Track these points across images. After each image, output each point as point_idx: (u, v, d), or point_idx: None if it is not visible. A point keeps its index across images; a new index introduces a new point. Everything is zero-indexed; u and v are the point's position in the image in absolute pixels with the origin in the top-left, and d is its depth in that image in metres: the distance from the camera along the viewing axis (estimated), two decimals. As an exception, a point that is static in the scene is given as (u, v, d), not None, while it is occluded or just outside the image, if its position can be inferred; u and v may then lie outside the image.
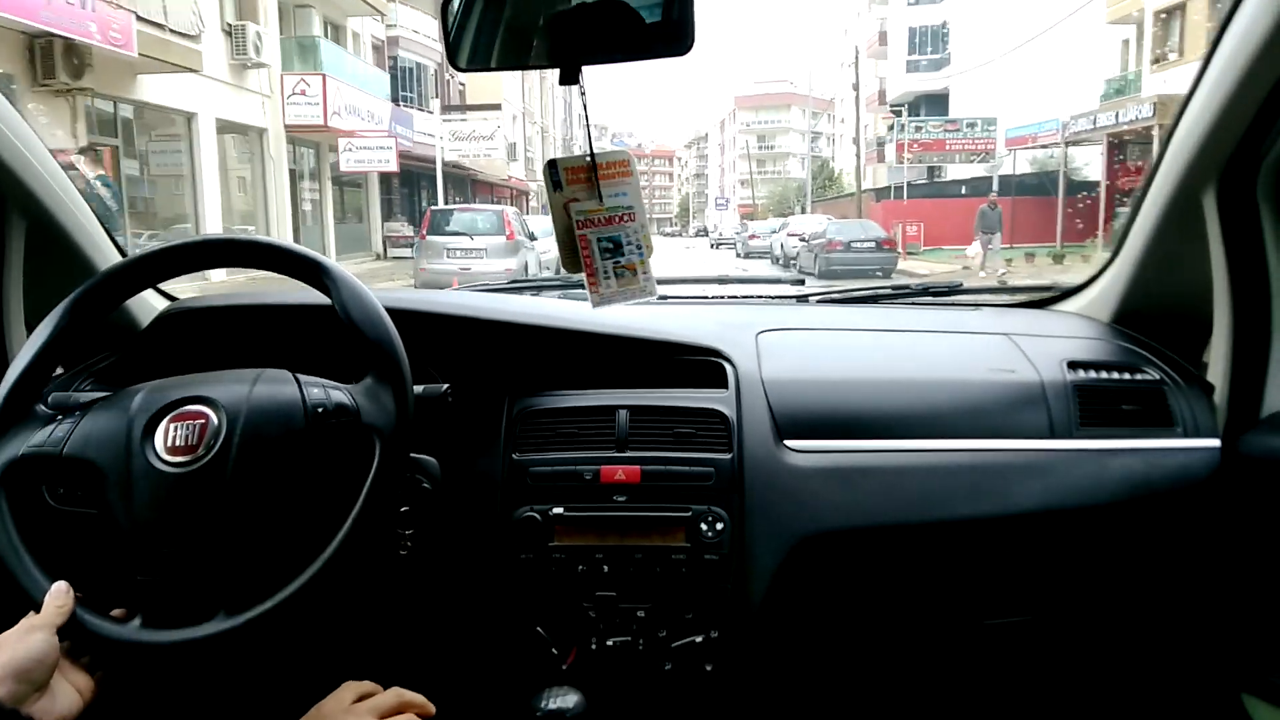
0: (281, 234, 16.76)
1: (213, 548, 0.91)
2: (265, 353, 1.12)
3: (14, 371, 0.98)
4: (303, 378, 0.98)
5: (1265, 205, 1.19)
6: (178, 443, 0.93)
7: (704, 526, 1.19)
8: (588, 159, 1.13)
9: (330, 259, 1.05)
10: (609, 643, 1.19)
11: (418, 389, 1.05)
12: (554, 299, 1.66)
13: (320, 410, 0.95)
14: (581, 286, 1.18)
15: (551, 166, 1.14)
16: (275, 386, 0.97)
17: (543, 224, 13.20)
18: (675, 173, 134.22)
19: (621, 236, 1.15)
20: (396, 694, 0.94)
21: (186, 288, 1.44)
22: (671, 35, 1.07)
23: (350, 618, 1.12)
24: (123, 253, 1.36)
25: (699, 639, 1.19)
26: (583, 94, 1.12)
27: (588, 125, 1.15)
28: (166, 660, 0.90)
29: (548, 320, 1.36)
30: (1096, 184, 21.65)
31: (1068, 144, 23.37)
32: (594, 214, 1.14)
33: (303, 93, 17.27)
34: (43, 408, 0.98)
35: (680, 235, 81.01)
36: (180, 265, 1.06)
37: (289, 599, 0.90)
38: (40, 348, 0.99)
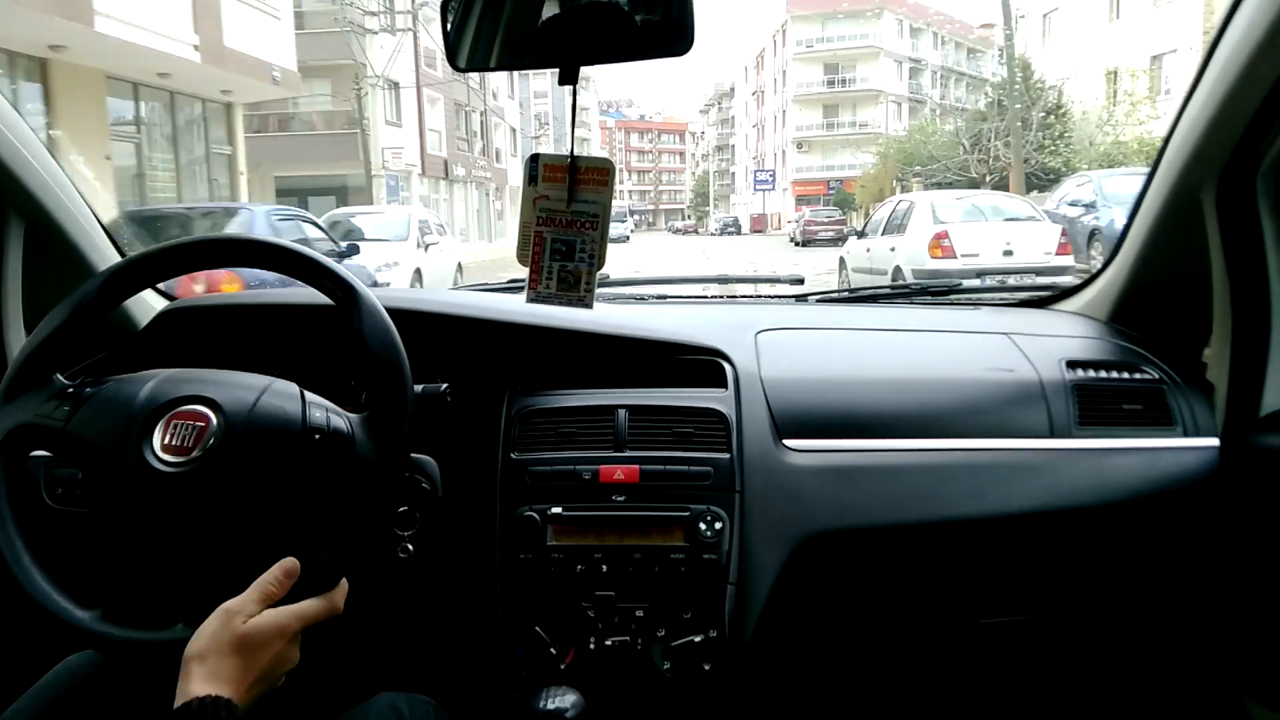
0: None
1: (189, 554, 0.96)
2: (263, 353, 1.17)
3: (37, 337, 1.03)
4: (309, 396, 1.02)
5: (1265, 205, 1.25)
6: (174, 442, 0.97)
7: (703, 526, 1.23)
8: (569, 159, 1.18)
9: (341, 266, 1.07)
10: (608, 642, 1.23)
11: (417, 388, 1.09)
12: None
13: (317, 434, 0.98)
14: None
15: (534, 160, 1.20)
16: (279, 400, 1.00)
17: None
18: (688, 150, 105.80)
19: (577, 242, 1.20)
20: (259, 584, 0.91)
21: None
22: (671, 35, 1.11)
23: (349, 618, 1.13)
24: (122, 254, 1.42)
25: (698, 639, 1.22)
26: (574, 95, 1.17)
27: (573, 124, 1.24)
28: (121, 656, 0.96)
29: (547, 320, 1.39)
30: None
31: None
32: (558, 214, 1.19)
33: None
34: (59, 377, 1.03)
35: (696, 233, 58.91)
36: (186, 264, 1.10)
37: None
38: (64, 318, 1.03)
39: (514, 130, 41.22)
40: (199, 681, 0.82)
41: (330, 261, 1.07)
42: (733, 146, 78.80)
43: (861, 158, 47.25)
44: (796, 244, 29.64)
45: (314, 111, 24.76)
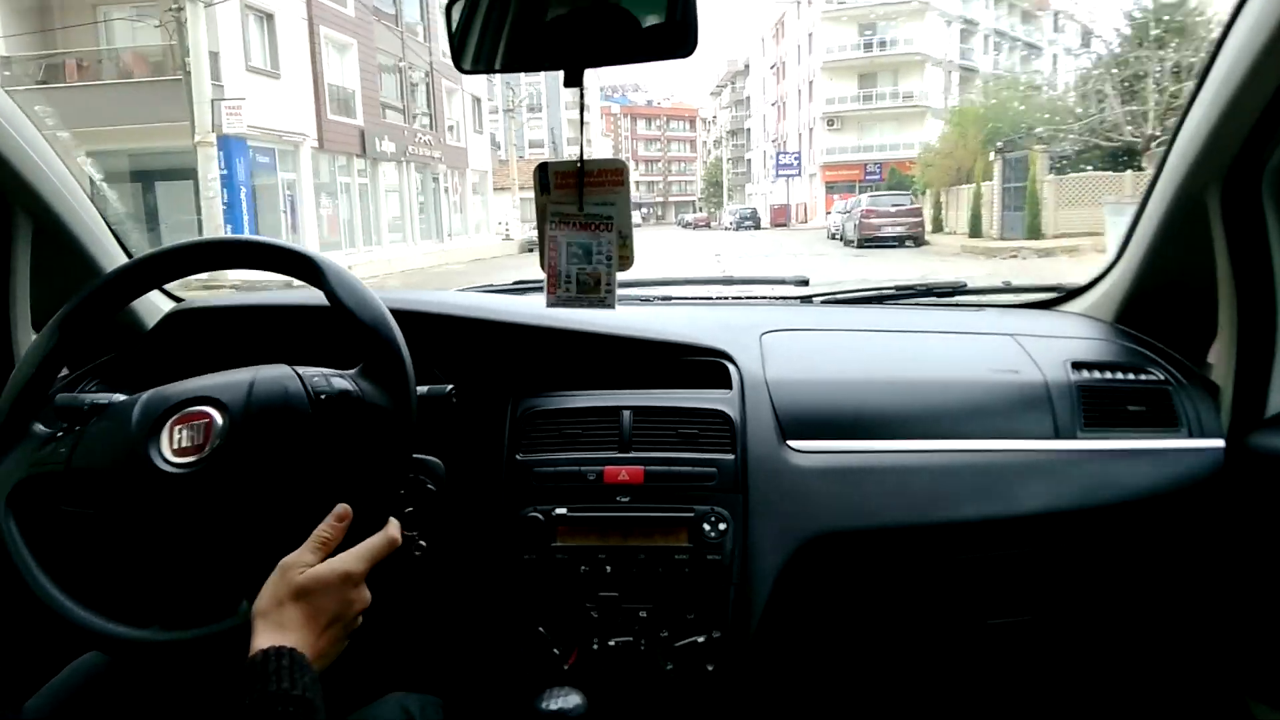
0: None
1: (227, 542, 0.98)
2: (272, 353, 1.17)
3: (9, 393, 1.04)
4: (301, 369, 1.04)
5: (1270, 206, 1.25)
6: (184, 443, 0.99)
7: (707, 527, 1.24)
8: (578, 164, 1.19)
9: (321, 253, 1.10)
10: (611, 643, 1.24)
11: (422, 389, 1.11)
12: None
13: (324, 397, 1.01)
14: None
15: (542, 170, 1.21)
16: (275, 380, 1.02)
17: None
18: (699, 138, 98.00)
19: (593, 245, 1.20)
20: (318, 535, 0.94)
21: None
22: (675, 37, 1.12)
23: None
24: (128, 253, 1.44)
25: (701, 639, 1.24)
26: (582, 98, 1.18)
27: (582, 129, 1.22)
28: (193, 657, 0.96)
29: (552, 321, 1.41)
30: None
31: None
32: (571, 217, 1.20)
33: None
34: (40, 427, 1.05)
35: (708, 227, 52.38)
36: (181, 268, 1.12)
37: None
38: (36, 364, 1.05)
39: (476, 100, 31.70)
40: (264, 635, 0.85)
41: (287, 242, 1.10)
42: (748, 130, 70.57)
43: (905, 135, 39.06)
44: (845, 243, 21.58)
45: (132, 49, 16.73)
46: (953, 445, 1.30)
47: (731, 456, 1.27)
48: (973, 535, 1.28)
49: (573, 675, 1.22)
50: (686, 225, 58.83)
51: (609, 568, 1.24)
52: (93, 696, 1.06)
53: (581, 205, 1.18)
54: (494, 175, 34.06)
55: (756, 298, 1.82)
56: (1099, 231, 12.32)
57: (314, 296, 1.10)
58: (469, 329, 1.38)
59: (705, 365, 1.39)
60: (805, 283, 1.82)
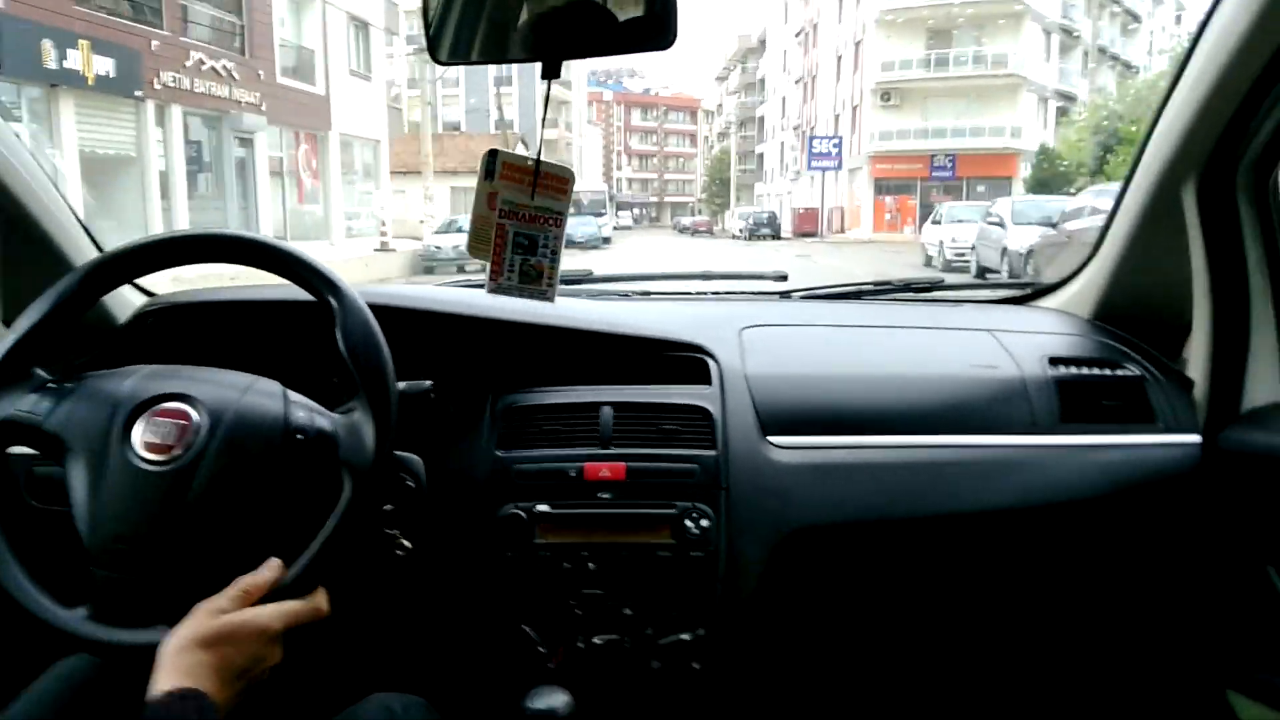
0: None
1: (171, 554, 0.97)
2: (245, 350, 1.18)
3: (16, 331, 1.03)
4: (292, 396, 1.04)
5: (1244, 202, 1.27)
6: (155, 440, 0.98)
7: (689, 523, 1.25)
8: (531, 162, 1.20)
9: (335, 270, 1.09)
10: (596, 641, 1.26)
11: (401, 386, 1.11)
12: None
13: (299, 435, 0.99)
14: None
15: (492, 156, 1.21)
16: (262, 400, 1.01)
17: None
18: (700, 132, 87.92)
19: (540, 237, 1.21)
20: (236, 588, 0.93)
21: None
22: (653, 29, 1.12)
23: (343, 618, 1.14)
24: (99, 248, 1.42)
25: (686, 636, 1.25)
26: (547, 92, 1.19)
27: (543, 123, 1.25)
28: (104, 659, 0.97)
29: (532, 317, 1.41)
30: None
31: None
32: (521, 208, 1.20)
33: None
34: (40, 371, 1.04)
35: (710, 234, 46.45)
36: (167, 259, 1.11)
37: None
38: (44, 313, 1.04)
39: (357, 24, 20.56)
40: (171, 676, 0.83)
41: (313, 258, 1.09)
42: (760, 120, 60.34)
43: (992, 115, 27.91)
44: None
45: None
46: (932, 440, 1.32)
47: (712, 452, 1.29)
48: (952, 529, 1.31)
49: (559, 674, 1.23)
50: (684, 230, 52.02)
51: (592, 565, 1.25)
52: (73, 702, 1.06)
53: (533, 195, 1.19)
54: (395, 150, 22.81)
55: (736, 293, 1.83)
56: None
57: (289, 293, 1.10)
58: (449, 324, 1.39)
59: (685, 361, 1.40)
60: (784, 278, 1.83)
